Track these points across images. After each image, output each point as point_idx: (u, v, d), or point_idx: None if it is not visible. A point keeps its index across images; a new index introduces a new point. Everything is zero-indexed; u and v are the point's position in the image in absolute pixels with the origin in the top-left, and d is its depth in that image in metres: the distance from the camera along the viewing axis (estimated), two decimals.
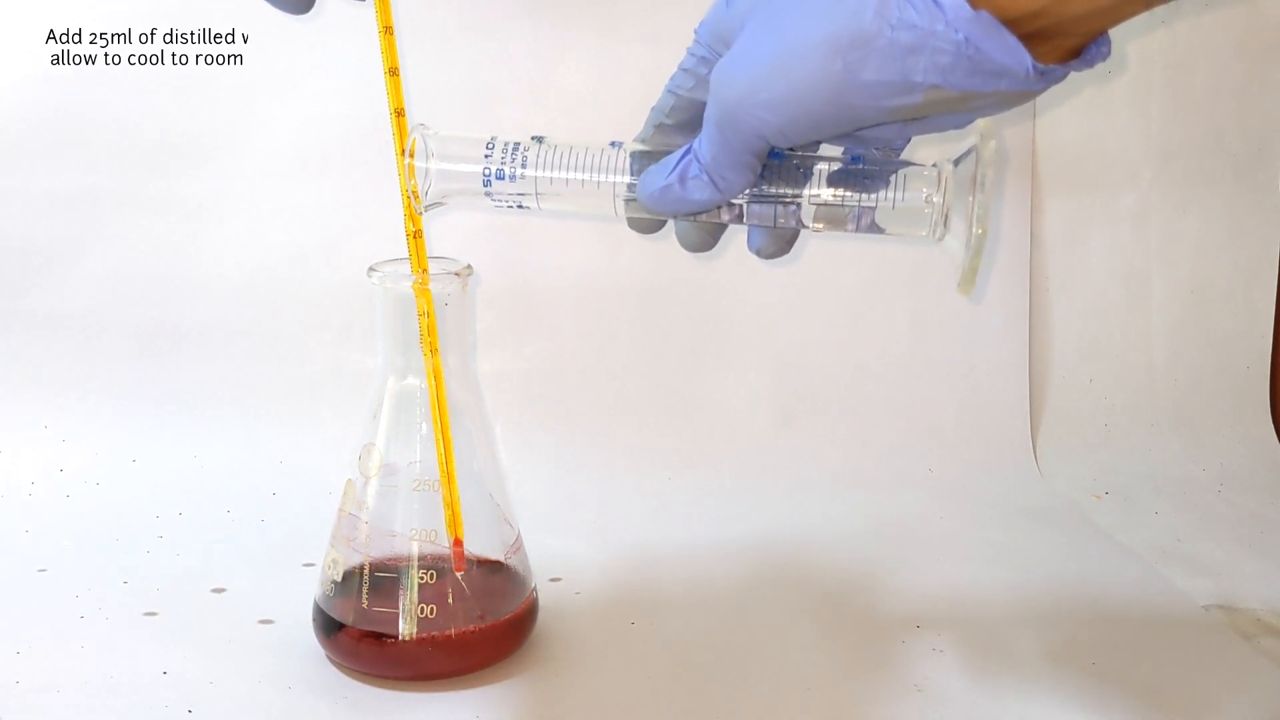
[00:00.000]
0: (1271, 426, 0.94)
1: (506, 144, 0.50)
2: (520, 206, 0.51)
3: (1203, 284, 0.95)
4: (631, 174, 0.49)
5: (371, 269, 0.56)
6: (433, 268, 0.56)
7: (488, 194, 0.51)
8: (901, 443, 0.87)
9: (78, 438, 0.80)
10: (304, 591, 0.60)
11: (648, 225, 0.52)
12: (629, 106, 0.57)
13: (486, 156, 0.50)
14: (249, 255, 0.83)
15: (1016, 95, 0.42)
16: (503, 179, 0.50)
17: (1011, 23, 0.40)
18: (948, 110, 0.43)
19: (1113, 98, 0.92)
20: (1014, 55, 0.40)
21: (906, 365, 0.89)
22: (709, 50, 0.47)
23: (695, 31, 0.48)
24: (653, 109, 0.50)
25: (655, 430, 0.86)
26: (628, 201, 0.50)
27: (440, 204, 0.52)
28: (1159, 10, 0.89)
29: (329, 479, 0.60)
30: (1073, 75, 0.43)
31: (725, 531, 0.76)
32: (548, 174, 0.50)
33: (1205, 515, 0.81)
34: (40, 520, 0.74)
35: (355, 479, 0.57)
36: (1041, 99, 0.89)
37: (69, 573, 0.67)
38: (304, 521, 0.71)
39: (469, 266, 0.57)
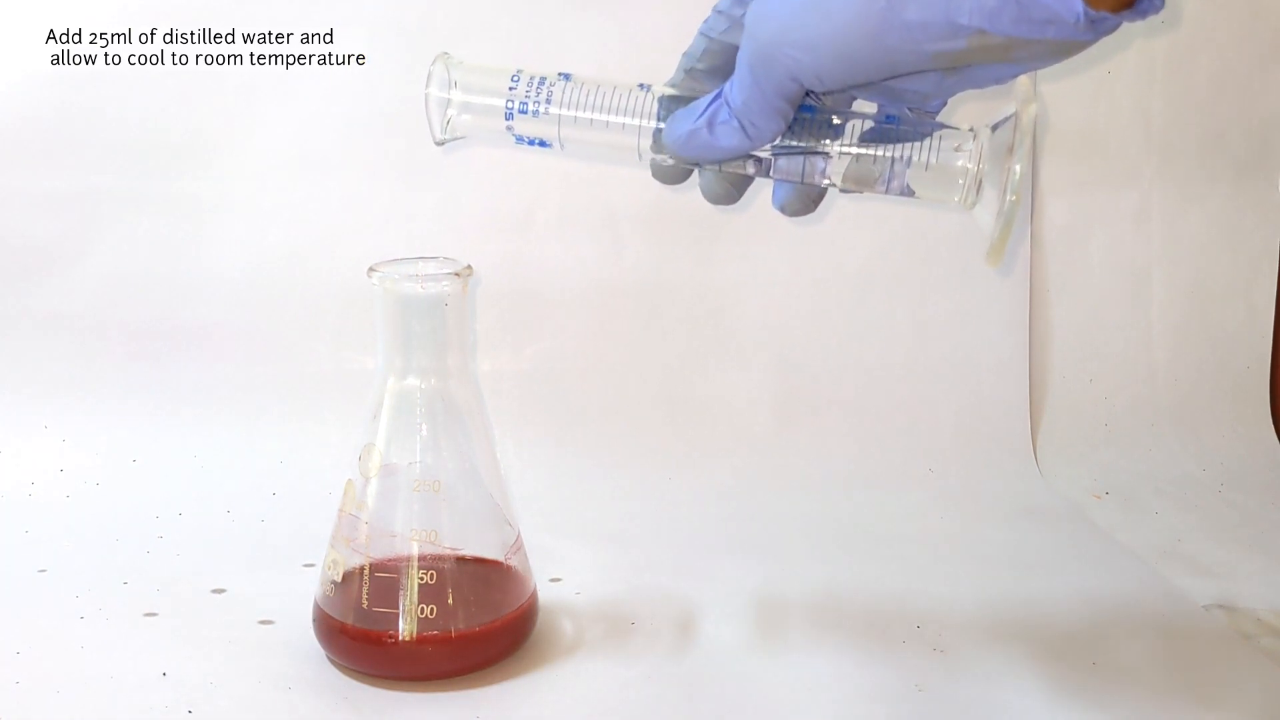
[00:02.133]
0: (1271, 426, 0.94)
1: (533, 78, 0.49)
2: (541, 144, 0.50)
3: (1203, 284, 0.94)
4: (659, 118, 0.48)
5: (371, 269, 0.56)
6: (433, 268, 0.56)
7: (509, 128, 0.49)
8: (901, 443, 0.87)
9: (78, 438, 0.80)
10: (304, 591, 0.60)
11: (671, 174, 0.50)
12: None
13: (511, 89, 0.49)
14: (249, 255, 0.83)
15: (1065, 45, 0.41)
16: (525, 114, 0.49)
17: None
18: (990, 59, 0.41)
19: (1114, 96, 0.91)
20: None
21: (906, 365, 0.89)
22: None
23: None
24: (684, 54, 0.49)
25: (655, 430, 0.86)
26: (653, 147, 0.48)
27: (460, 137, 0.51)
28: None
29: (329, 479, 0.60)
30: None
31: (725, 531, 0.76)
32: (572, 113, 0.48)
33: (1205, 515, 0.81)
34: (40, 520, 0.74)
35: (355, 479, 0.57)
36: (1042, 96, 0.89)
37: (69, 573, 0.67)
38: (304, 521, 0.71)
39: (469, 266, 0.56)
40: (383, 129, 0.82)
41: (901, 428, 0.88)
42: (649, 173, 0.51)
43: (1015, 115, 0.43)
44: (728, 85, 0.45)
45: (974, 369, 0.90)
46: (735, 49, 0.45)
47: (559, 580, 0.67)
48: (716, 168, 0.49)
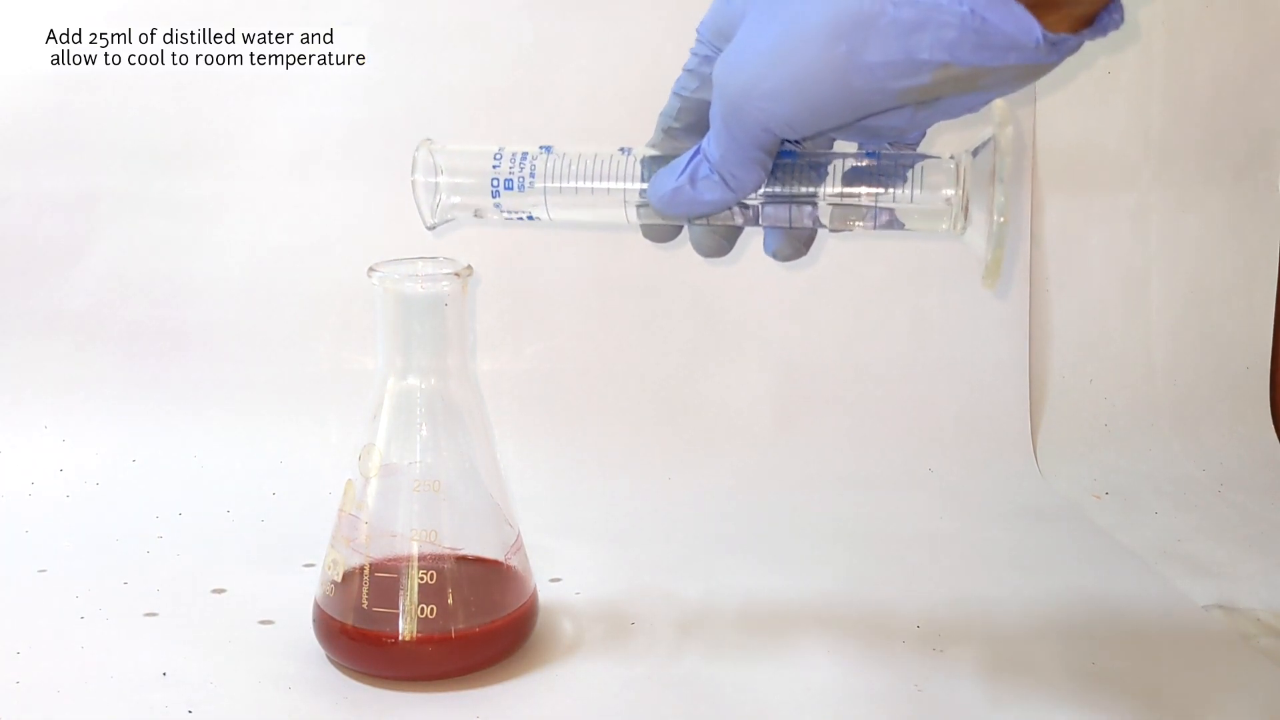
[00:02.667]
0: (1271, 426, 0.94)
1: (514, 154, 0.50)
2: (530, 218, 0.51)
3: (1202, 284, 0.94)
4: (642, 180, 0.49)
5: (371, 269, 0.56)
6: (433, 268, 0.56)
7: (496, 205, 0.50)
8: (901, 443, 0.87)
9: (78, 438, 0.80)
10: (304, 591, 0.60)
11: (662, 233, 0.51)
12: (632, 105, 0.56)
13: (494, 166, 0.50)
14: (249, 255, 0.83)
15: (1029, 69, 0.41)
16: (511, 188, 0.50)
17: None
18: (958, 90, 0.42)
19: (1112, 97, 0.92)
20: (1022, 25, 0.39)
21: (906, 365, 0.89)
22: (711, 48, 0.46)
23: (697, 30, 0.47)
24: (660, 113, 0.49)
25: (655, 430, 0.86)
26: (640, 208, 0.49)
27: (450, 220, 0.51)
28: (1159, 9, 0.90)
29: (329, 479, 0.60)
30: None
31: (725, 531, 0.76)
32: (557, 183, 0.49)
33: (1205, 515, 0.81)
34: (40, 520, 0.74)
35: (355, 479, 0.57)
36: (1041, 95, 0.89)
37: (69, 573, 0.67)
38: (304, 521, 0.71)
39: (469, 266, 0.57)
40: (382, 129, 0.82)
41: (901, 428, 0.88)
42: (639, 235, 0.51)
43: (994, 138, 0.44)
44: (705, 141, 0.46)
45: (974, 369, 0.90)
46: (709, 105, 0.45)
47: (559, 580, 0.67)
48: (705, 222, 0.49)
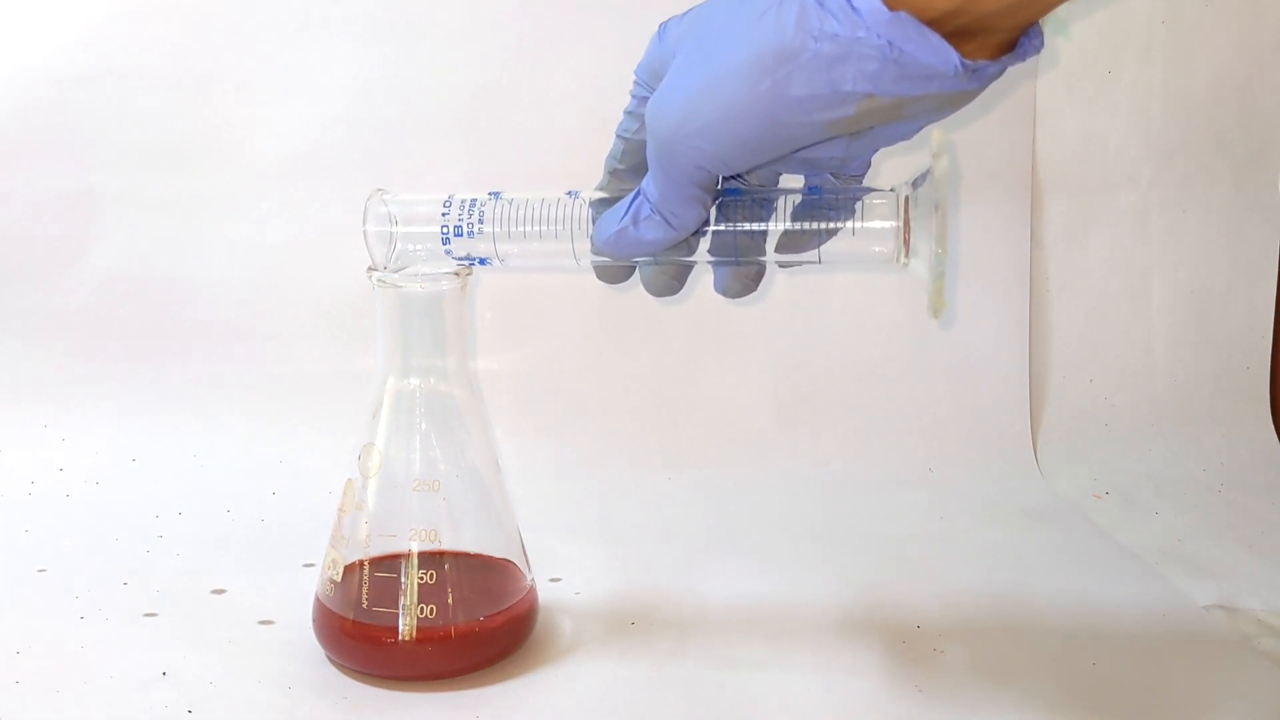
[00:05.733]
0: (1271, 426, 0.94)
1: (463, 201, 0.51)
2: (482, 263, 0.51)
3: (1203, 284, 0.95)
4: (591, 222, 0.49)
5: (371, 269, 0.56)
6: (432, 268, 0.56)
7: (448, 252, 0.51)
8: (901, 443, 0.87)
9: (78, 438, 0.80)
10: (304, 591, 0.60)
11: (614, 274, 0.52)
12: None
13: (444, 215, 0.51)
14: (249, 255, 0.83)
15: (953, 97, 0.42)
16: (461, 235, 0.51)
17: (932, 23, 0.40)
18: (885, 120, 0.42)
19: (1113, 97, 0.91)
20: (940, 55, 0.40)
21: (906, 365, 0.89)
22: (648, 89, 0.47)
23: (634, 73, 0.48)
24: (607, 156, 0.50)
25: (655, 430, 0.86)
26: (591, 249, 0.50)
27: (404, 267, 0.53)
28: (1159, 9, 0.90)
29: (329, 479, 0.60)
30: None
31: (725, 531, 0.76)
32: (505, 229, 0.50)
33: (1205, 515, 0.81)
34: (40, 520, 0.74)
35: (355, 479, 0.57)
36: (1042, 97, 0.89)
37: (69, 573, 0.67)
38: (304, 521, 0.71)
39: (469, 266, 0.56)
40: (382, 128, 0.82)
41: (901, 428, 0.88)
42: (592, 276, 0.52)
43: (931, 169, 0.44)
44: (645, 181, 0.46)
45: (974, 369, 0.90)
46: None
47: (559, 580, 0.67)
48: (652, 260, 0.50)
